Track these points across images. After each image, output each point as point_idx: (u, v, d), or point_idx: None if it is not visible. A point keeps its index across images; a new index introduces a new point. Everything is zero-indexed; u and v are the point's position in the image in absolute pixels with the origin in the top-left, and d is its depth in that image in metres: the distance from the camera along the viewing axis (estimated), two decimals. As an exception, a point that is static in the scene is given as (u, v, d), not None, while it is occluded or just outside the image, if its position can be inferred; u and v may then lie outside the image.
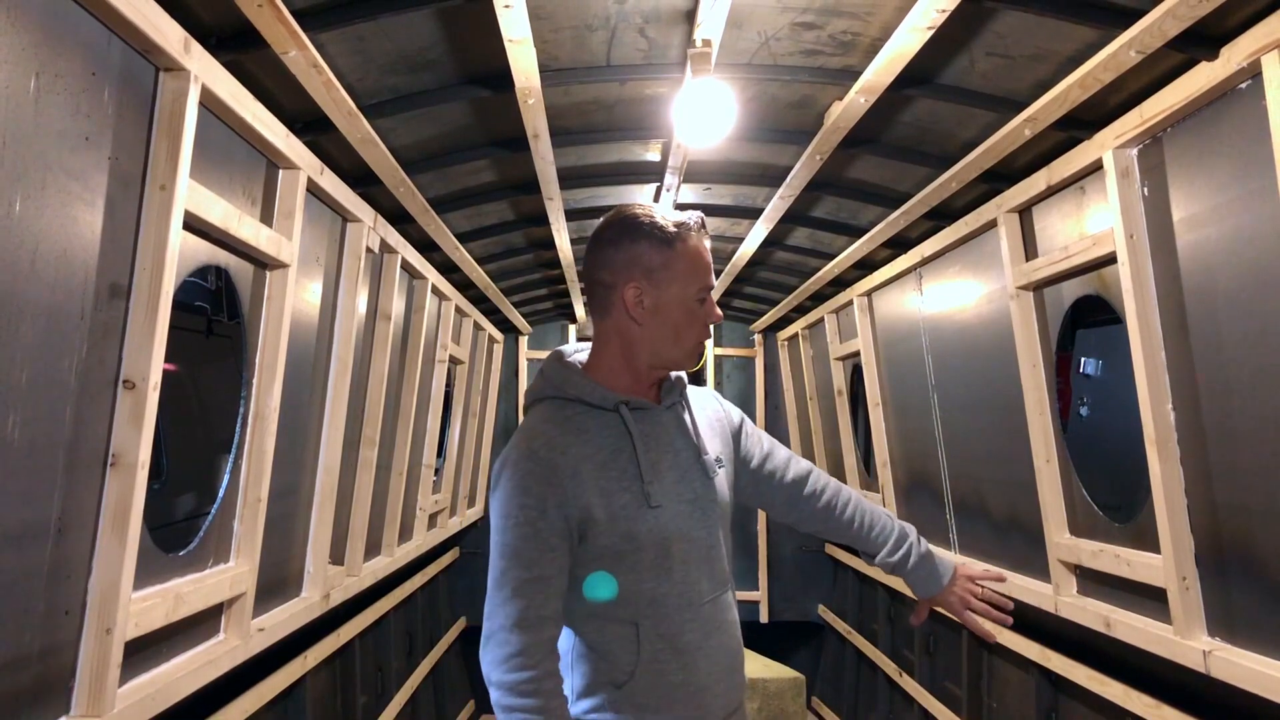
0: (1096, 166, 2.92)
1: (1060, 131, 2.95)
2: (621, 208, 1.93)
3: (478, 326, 6.70)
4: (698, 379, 8.78)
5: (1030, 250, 3.52)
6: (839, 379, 6.42)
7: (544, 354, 7.82)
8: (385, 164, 3.25)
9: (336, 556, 4.02)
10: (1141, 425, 2.78)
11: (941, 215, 4.07)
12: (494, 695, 1.76)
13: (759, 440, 2.12)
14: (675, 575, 1.87)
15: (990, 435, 4.13)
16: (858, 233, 4.70)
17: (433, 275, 4.90)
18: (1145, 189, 2.75)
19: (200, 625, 2.70)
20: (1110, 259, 2.92)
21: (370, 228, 3.71)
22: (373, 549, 4.67)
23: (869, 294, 5.53)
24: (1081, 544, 3.33)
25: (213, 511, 2.77)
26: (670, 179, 3.89)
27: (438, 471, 6.31)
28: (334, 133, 2.93)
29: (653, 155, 3.94)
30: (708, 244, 1.92)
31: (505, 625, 1.76)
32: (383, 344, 4.20)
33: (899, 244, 4.67)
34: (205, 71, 2.24)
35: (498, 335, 7.65)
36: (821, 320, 6.51)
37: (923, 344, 4.76)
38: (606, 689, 1.85)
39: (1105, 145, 2.82)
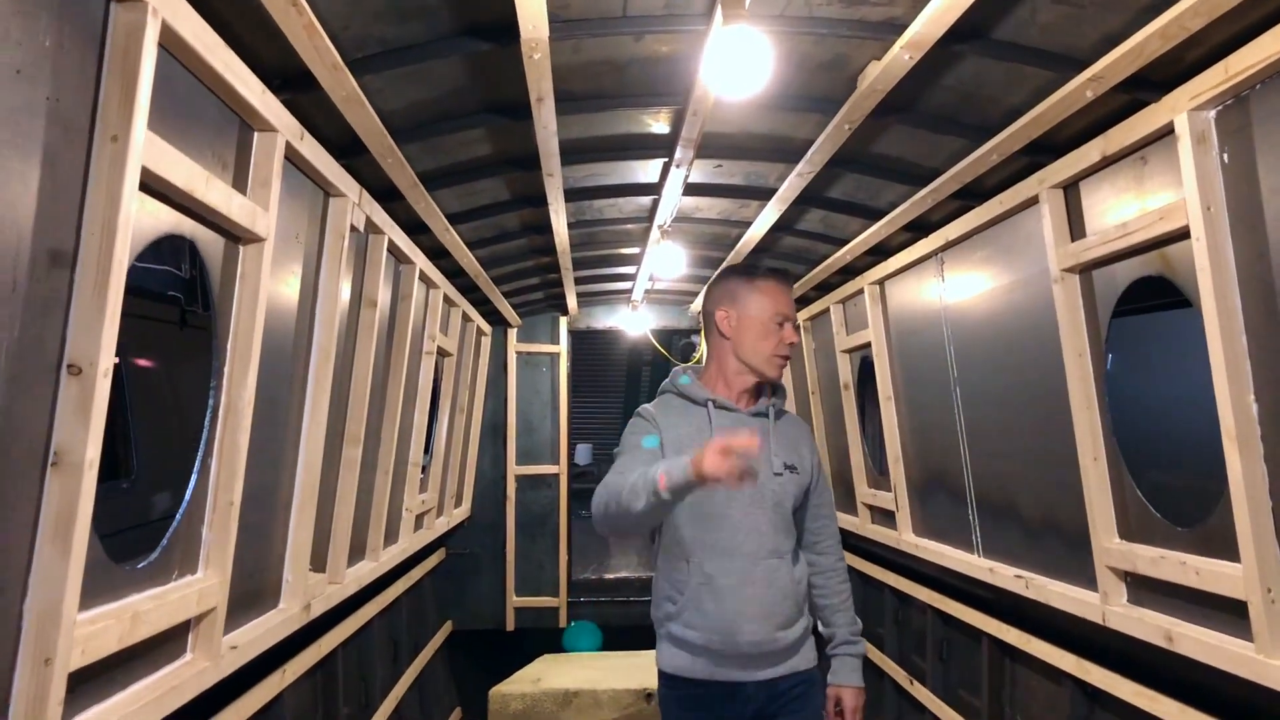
0: (1165, 132, 2.63)
1: (1123, 94, 2.66)
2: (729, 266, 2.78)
3: (466, 317, 6.38)
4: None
5: (1077, 230, 3.23)
6: (846, 372, 6.13)
7: (533, 348, 7.54)
8: (372, 129, 2.93)
9: (318, 563, 3.70)
10: (1191, 422, 2.50)
11: (971, 194, 3.78)
12: (596, 508, 2.43)
13: (819, 478, 2.87)
14: (723, 532, 2.59)
15: (1023, 431, 3.84)
16: (875, 215, 4.41)
17: (421, 260, 4.57)
18: (1224, 156, 2.47)
19: (163, 646, 2.37)
20: (1180, 235, 2.64)
21: (355, 204, 3.39)
22: (356, 553, 4.35)
23: (881, 282, 5.25)
24: (1136, 550, 3.05)
25: (178, 517, 2.44)
26: (681, 153, 3.58)
27: (424, 470, 5.99)
28: (315, 92, 2.61)
29: (661, 126, 3.62)
30: (788, 293, 2.72)
31: (605, 480, 2.46)
32: (368, 333, 3.87)
33: (919, 228, 4.38)
34: (167, 5, 1.92)
35: (486, 327, 7.33)
36: (827, 311, 6.23)
37: (944, 334, 4.47)
38: (669, 601, 2.63)
39: (1178, 107, 2.53)
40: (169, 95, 2.13)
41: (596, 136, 3.72)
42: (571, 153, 3.75)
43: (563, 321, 7.86)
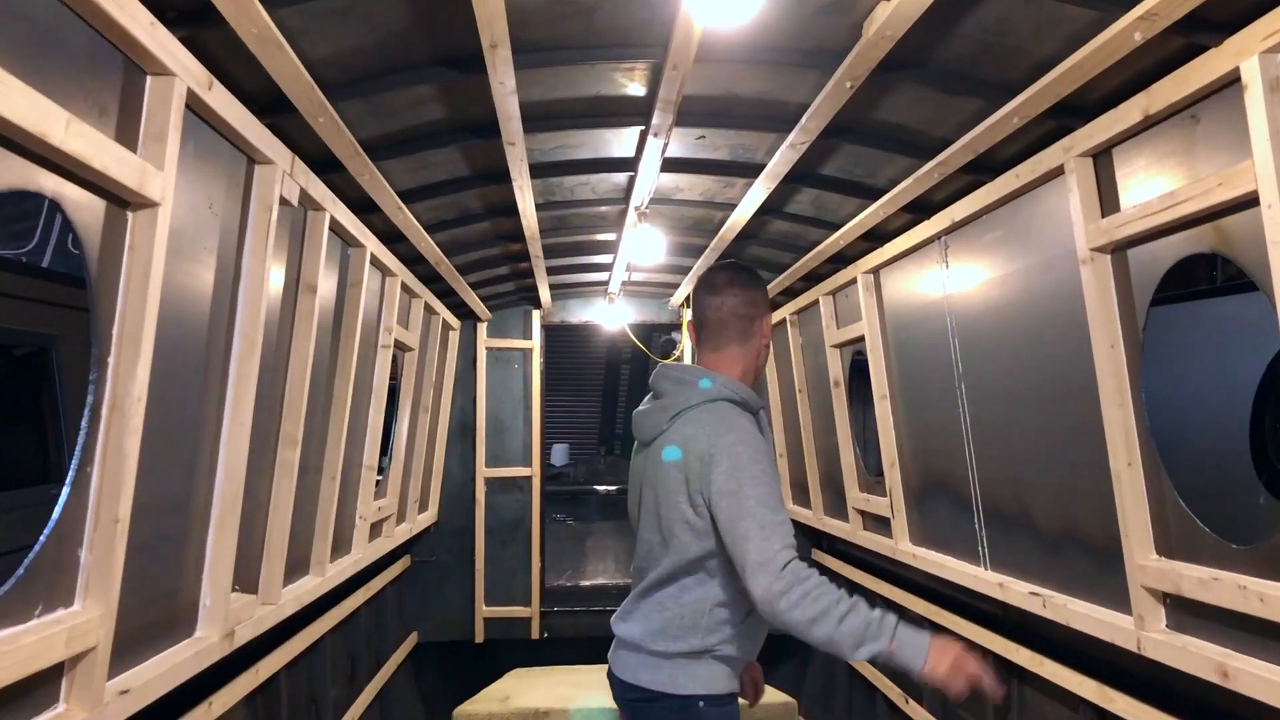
0: (1227, 82, 2.24)
1: (1178, 36, 2.27)
2: (733, 260, 2.78)
3: (430, 310, 5.94)
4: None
5: (1109, 203, 2.84)
6: (836, 368, 5.74)
7: (504, 343, 7.10)
8: (295, 80, 2.49)
9: (247, 582, 3.26)
10: (1224, 425, 2.11)
11: (982, 168, 3.39)
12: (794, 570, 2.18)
13: None
14: None
15: (1041, 432, 3.45)
16: (872, 195, 4.00)
17: (371, 243, 4.14)
18: (1303, 106, 2.08)
19: (23, 698, 1.94)
20: (1244, 202, 2.25)
21: (286, 173, 2.96)
22: (298, 568, 3.91)
23: (876, 271, 4.85)
24: (1180, 569, 2.65)
25: (41, 540, 2.00)
26: (659, 118, 3.17)
27: (382, 473, 5.55)
28: (220, 26, 2.18)
29: (636, 87, 3.20)
30: None
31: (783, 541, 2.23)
32: (306, 322, 3.44)
33: (921, 208, 3.99)
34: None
35: (454, 321, 6.90)
36: (816, 303, 5.83)
37: (947, 326, 4.08)
38: (728, 625, 2.41)
39: (1245, 51, 2.14)
40: (19, 18, 1.70)
41: (563, 99, 3.29)
42: (535, 118, 3.33)
43: (535, 315, 7.43)
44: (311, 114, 2.72)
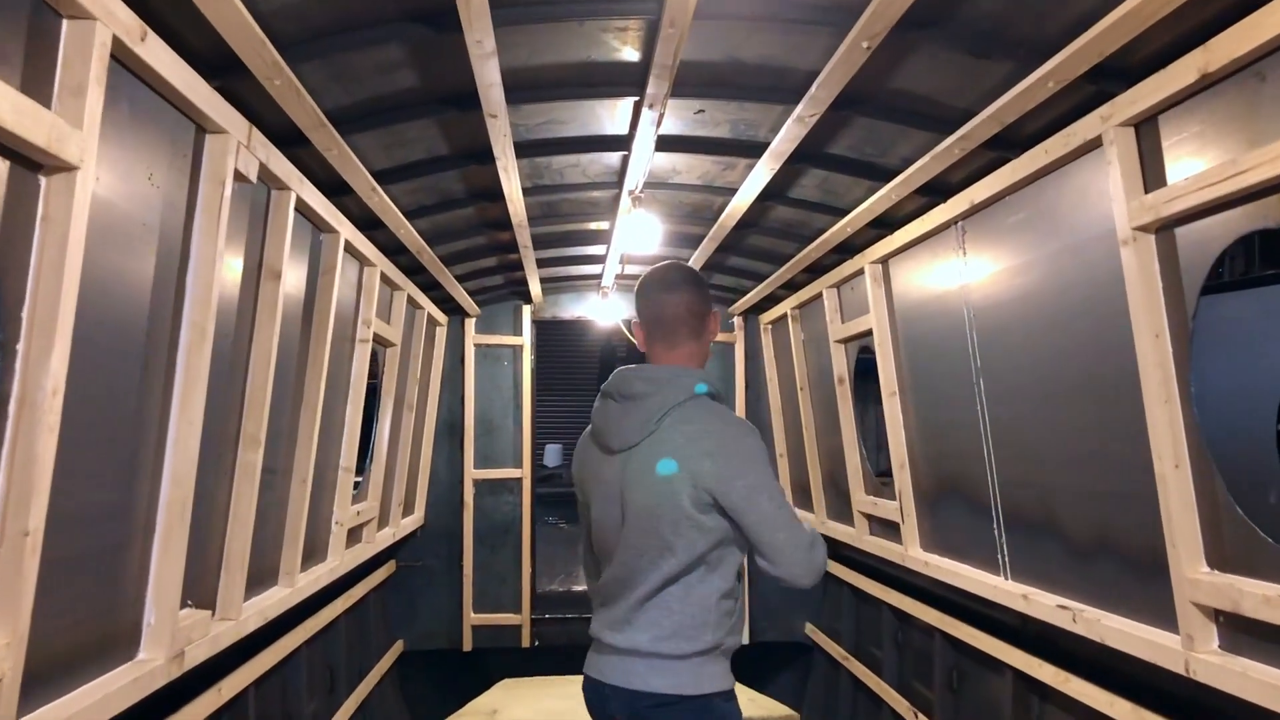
0: (1304, 30, 1.96)
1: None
2: (675, 260, 2.76)
3: (414, 304, 5.65)
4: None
5: (1153, 178, 2.56)
6: (840, 365, 5.45)
7: (493, 339, 6.80)
8: (241, 31, 2.20)
9: (202, 597, 2.97)
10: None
11: (1007, 144, 3.11)
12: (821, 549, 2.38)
13: None
14: None
15: (1071, 430, 3.17)
16: (884, 176, 3.72)
17: (346, 229, 3.85)
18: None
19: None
20: (1324, 168, 1.97)
21: (242, 144, 2.67)
22: (264, 579, 3.61)
23: (885, 261, 4.57)
24: (1238, 584, 2.37)
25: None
26: (655, 87, 2.88)
27: (362, 475, 5.26)
28: (149, -36, 1.89)
29: (630, 52, 2.91)
30: None
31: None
32: (270, 311, 3.15)
33: (936, 191, 3.71)
34: None
35: (440, 317, 6.60)
36: (819, 296, 5.55)
37: (964, 317, 3.80)
38: (734, 615, 2.42)
39: (1328, -8, 1.86)
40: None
41: (549, 65, 3.00)
42: (519, 88, 3.04)
43: (526, 310, 7.13)
44: (265, 75, 2.43)
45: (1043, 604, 3.32)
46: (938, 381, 4.22)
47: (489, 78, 2.72)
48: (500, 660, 7.05)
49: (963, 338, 3.83)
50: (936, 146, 3.19)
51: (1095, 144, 2.70)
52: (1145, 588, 2.76)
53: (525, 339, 7.14)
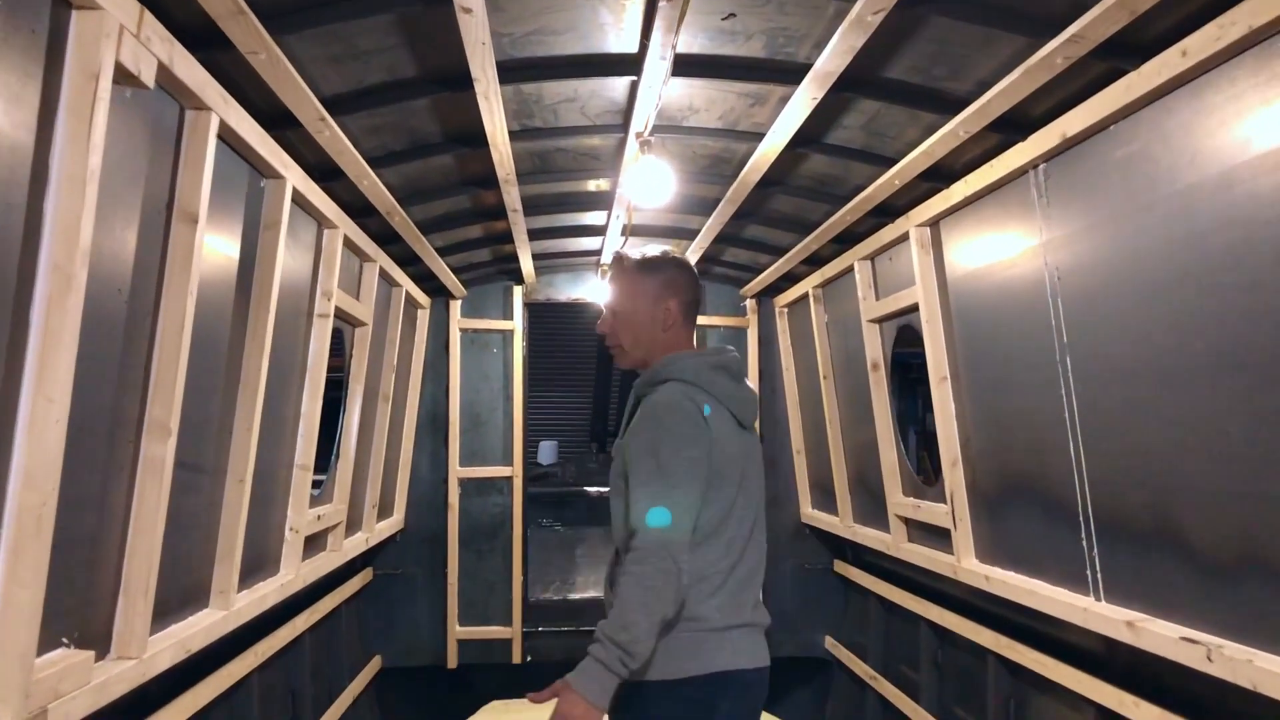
0: None
1: None
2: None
3: (389, 279, 4.97)
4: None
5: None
6: (874, 348, 4.78)
7: (481, 324, 6.13)
8: None
9: (88, 632, 2.29)
10: None
11: (1129, 50, 2.44)
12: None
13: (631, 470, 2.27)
14: None
15: (1201, 418, 2.48)
16: (952, 106, 3.04)
17: (294, 174, 3.16)
18: None
19: None
20: None
21: (127, 30, 1.98)
22: (187, 603, 2.93)
23: (935, 222, 3.90)
24: None
25: None
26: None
27: (326, 474, 4.59)
28: None
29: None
30: (607, 280, 2.57)
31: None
32: (183, 263, 2.46)
33: (1013, 125, 3.04)
34: None
35: (422, 299, 5.93)
36: (849, 271, 4.88)
37: (1045, 281, 3.12)
38: None
39: None
40: None
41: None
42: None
43: (517, 292, 6.45)
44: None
45: (1158, 635, 2.64)
46: (1005, 362, 3.55)
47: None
48: (489, 678, 6.37)
49: (1042, 307, 3.15)
50: (1032, 56, 2.51)
51: (1268, 32, 2.03)
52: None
53: (516, 324, 6.47)
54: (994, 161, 3.26)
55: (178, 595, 2.80)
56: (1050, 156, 2.98)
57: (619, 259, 2.49)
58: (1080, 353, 3.01)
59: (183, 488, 2.69)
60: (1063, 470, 3.14)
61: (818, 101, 3.00)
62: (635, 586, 2.09)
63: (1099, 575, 3.03)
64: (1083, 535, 3.08)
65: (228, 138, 2.68)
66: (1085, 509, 3.06)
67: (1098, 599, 3.04)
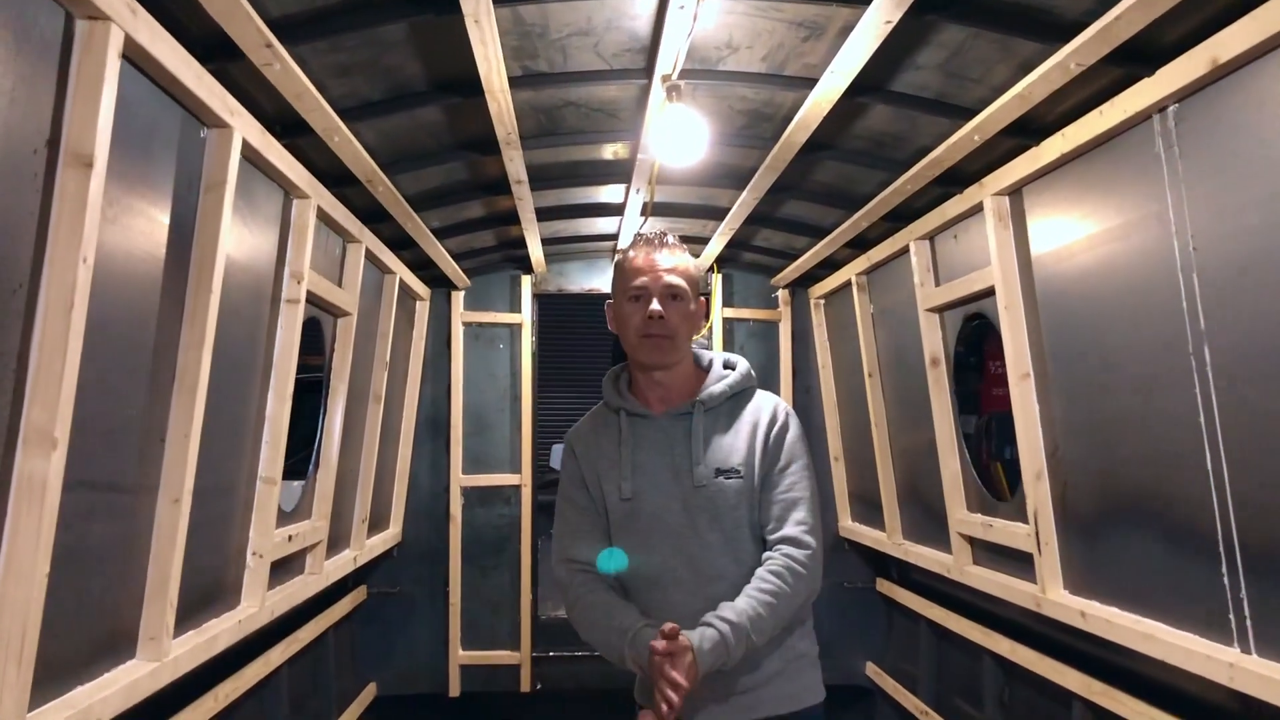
0: None
1: None
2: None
3: (378, 263, 4.39)
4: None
5: None
6: (934, 341, 4.16)
7: (485, 316, 5.52)
8: None
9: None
10: None
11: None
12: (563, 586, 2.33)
13: (775, 456, 2.24)
14: (652, 556, 2.23)
15: None
16: (1062, 33, 2.42)
17: (243, 124, 2.57)
18: None
19: None
20: None
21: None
22: (93, 662, 2.32)
23: (1017, 190, 3.29)
24: None
25: None
26: None
27: (304, 486, 4.01)
28: None
29: None
30: (661, 253, 2.21)
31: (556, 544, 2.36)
32: (73, 220, 1.87)
33: (1136, 57, 2.42)
34: None
35: (421, 289, 5.36)
36: (903, 253, 4.26)
37: (1175, 253, 2.50)
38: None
39: None
40: None
41: None
42: None
43: (525, 282, 5.86)
44: None
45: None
46: (1108, 355, 2.92)
47: None
48: (495, 708, 5.83)
49: (1169, 287, 2.53)
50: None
51: None
52: None
53: (525, 316, 5.89)
54: (1105, 107, 2.63)
55: (82, 651, 2.21)
56: (1187, 94, 2.36)
57: (664, 238, 2.27)
58: (1224, 341, 2.39)
59: (86, 513, 2.11)
60: (1195, 487, 2.51)
61: (892, 27, 2.38)
62: (795, 596, 2.15)
63: (1248, 622, 2.40)
64: (1224, 570, 2.45)
65: (144, 64, 2.09)
66: (1229, 536, 2.43)
67: (1245, 651, 2.41)
